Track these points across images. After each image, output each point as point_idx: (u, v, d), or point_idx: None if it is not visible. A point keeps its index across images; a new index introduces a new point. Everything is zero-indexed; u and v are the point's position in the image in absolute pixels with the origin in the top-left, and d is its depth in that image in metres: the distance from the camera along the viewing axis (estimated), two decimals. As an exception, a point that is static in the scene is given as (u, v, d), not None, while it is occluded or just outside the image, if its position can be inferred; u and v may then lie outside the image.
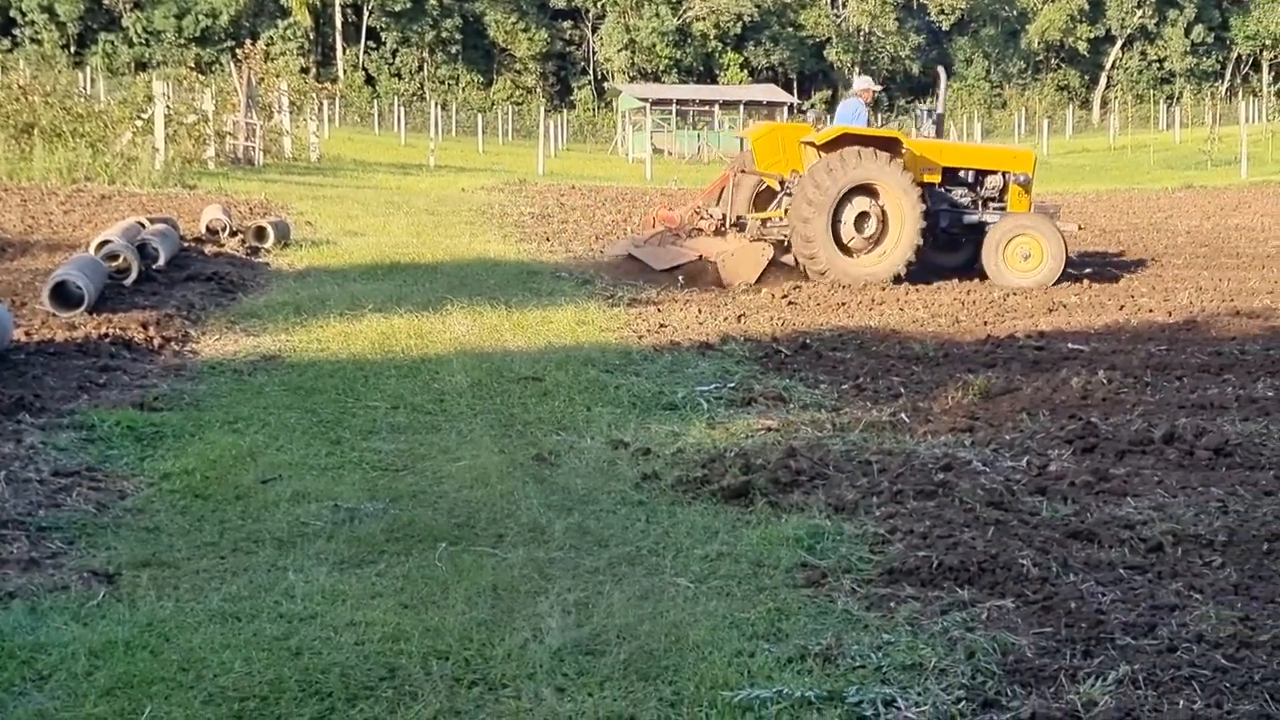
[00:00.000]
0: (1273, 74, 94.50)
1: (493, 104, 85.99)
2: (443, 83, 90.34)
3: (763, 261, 16.42)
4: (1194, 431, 8.95)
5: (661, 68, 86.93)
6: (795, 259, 16.91)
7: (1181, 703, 4.68)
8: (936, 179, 17.44)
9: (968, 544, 6.34)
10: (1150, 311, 15.29)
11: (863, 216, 16.40)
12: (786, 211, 16.77)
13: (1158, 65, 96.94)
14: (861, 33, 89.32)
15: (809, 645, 5.19)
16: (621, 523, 6.86)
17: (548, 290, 15.75)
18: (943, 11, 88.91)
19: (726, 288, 15.99)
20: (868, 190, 16.43)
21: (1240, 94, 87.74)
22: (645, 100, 67.47)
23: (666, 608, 5.63)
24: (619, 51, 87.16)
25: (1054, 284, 16.87)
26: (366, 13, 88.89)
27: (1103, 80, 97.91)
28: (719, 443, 8.62)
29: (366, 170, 40.58)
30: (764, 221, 17.19)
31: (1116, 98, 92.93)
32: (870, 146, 16.53)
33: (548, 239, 22.35)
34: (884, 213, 16.48)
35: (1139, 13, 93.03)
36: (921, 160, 17.28)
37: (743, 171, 17.72)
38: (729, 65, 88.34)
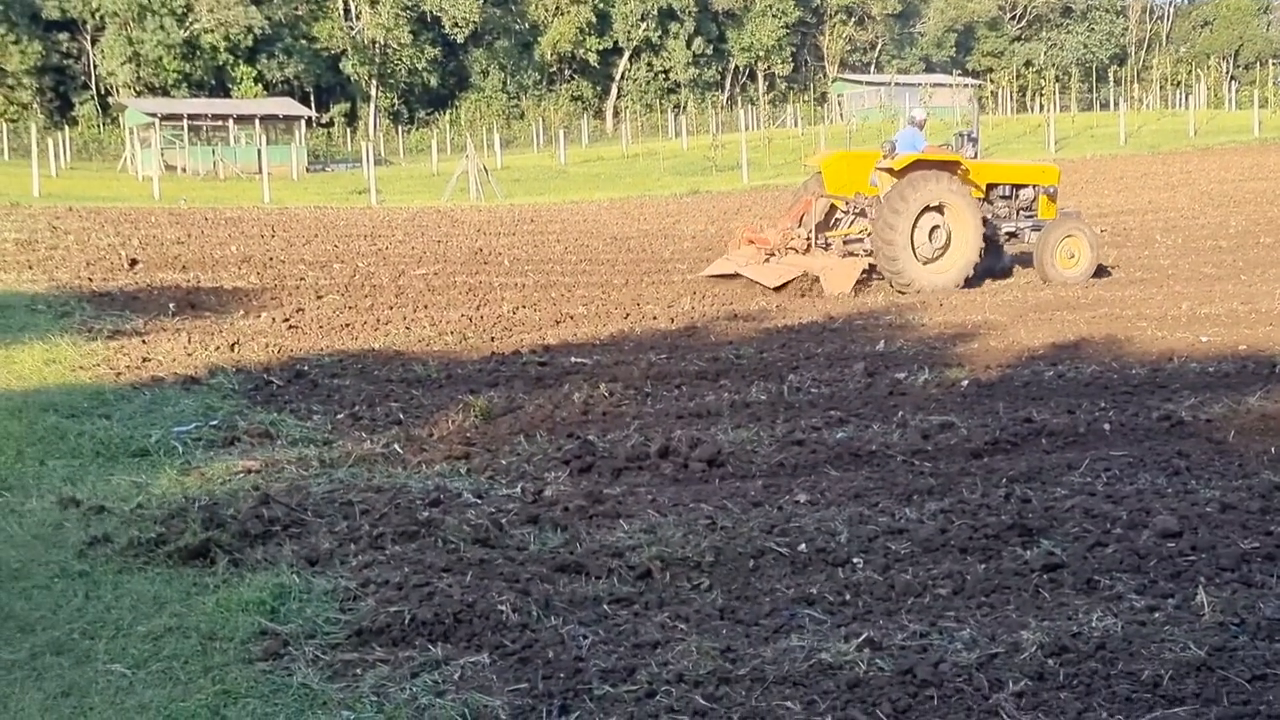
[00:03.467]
0: (767, 84, 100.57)
1: (-17, 122, 79.49)
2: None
3: (857, 273, 18.12)
4: (689, 443, 8.87)
5: (170, 81, 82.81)
6: (880, 271, 18.36)
7: (658, 758, 4.34)
8: (981, 194, 19.33)
9: (445, 592, 5.83)
10: (654, 319, 15.45)
11: (934, 230, 18.10)
12: (870, 228, 18.52)
13: (663, 76, 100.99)
14: (377, 45, 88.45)
15: (253, 736, 4.53)
16: (55, 600, 5.94)
17: (17, 325, 14.26)
18: (456, 24, 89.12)
19: (828, 296, 17.51)
20: (936, 208, 18.10)
21: (739, 103, 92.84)
22: (154, 115, 64.07)
23: (92, 704, 4.83)
24: (123, 65, 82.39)
25: (1091, 278, 18.80)
26: None
27: (614, 90, 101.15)
28: (190, 491, 7.78)
29: None
30: (845, 239, 19.06)
31: (627, 107, 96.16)
32: (936, 169, 18.33)
33: (30, 267, 20.45)
34: (949, 226, 18.15)
35: (643, 25, 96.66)
36: (972, 178, 19.10)
37: (822, 196, 19.37)
38: (242, 79, 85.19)
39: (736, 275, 18.74)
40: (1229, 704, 4.61)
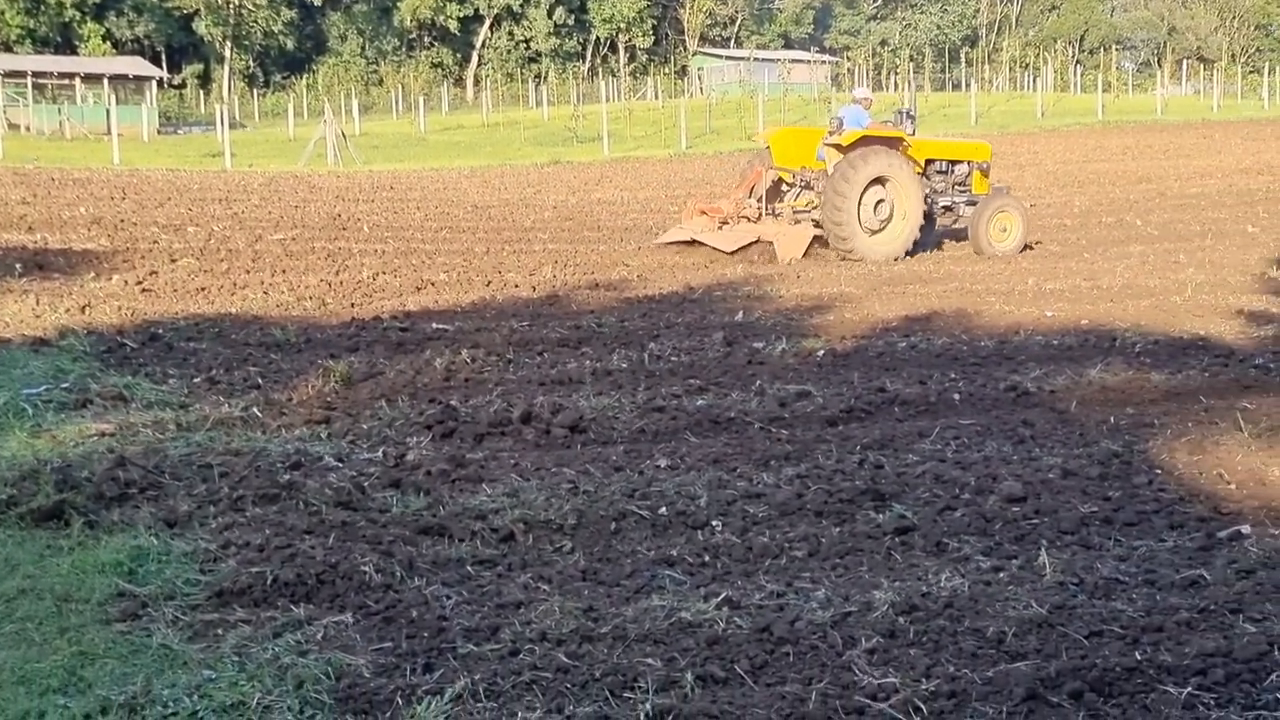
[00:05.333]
0: (628, 56, 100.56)
1: None
2: None
3: (808, 240, 18.77)
4: (551, 409, 8.94)
5: (13, 37, 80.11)
6: (827, 240, 18.89)
7: (520, 712, 4.41)
8: (920, 170, 19.85)
9: (307, 554, 5.83)
10: (516, 287, 15.46)
11: (879, 203, 18.77)
12: (818, 200, 19.01)
13: (525, 45, 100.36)
14: (232, 5, 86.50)
15: (113, 696, 4.49)
16: (-100, 563, 5.82)
17: None
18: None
19: (781, 262, 18.17)
20: (881, 182, 18.76)
21: (600, 74, 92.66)
22: (-5, 71, 62.10)
23: (-57, 667, 4.74)
24: (-38, 18, 79.56)
25: (1021, 250, 19.51)
26: None
27: (474, 59, 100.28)
28: (41, 454, 7.63)
29: None
30: (795, 209, 19.60)
31: (488, 76, 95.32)
32: (881, 145, 18.94)
33: None
34: (893, 199, 18.83)
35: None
36: (913, 154, 19.64)
37: (770, 169, 19.82)
38: (90, 36, 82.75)
39: (691, 243, 19.25)
40: (1067, 658, 4.82)
